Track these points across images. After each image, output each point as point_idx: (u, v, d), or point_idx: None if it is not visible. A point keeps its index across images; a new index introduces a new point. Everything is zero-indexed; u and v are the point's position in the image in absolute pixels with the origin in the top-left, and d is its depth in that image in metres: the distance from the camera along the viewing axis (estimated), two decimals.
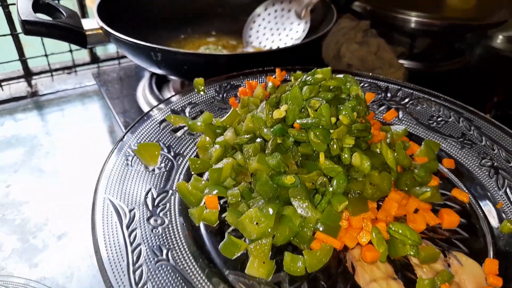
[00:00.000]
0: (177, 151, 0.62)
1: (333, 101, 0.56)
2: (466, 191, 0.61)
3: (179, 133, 0.65)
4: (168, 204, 0.54)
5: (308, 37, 0.99)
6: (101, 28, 0.85)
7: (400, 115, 0.74)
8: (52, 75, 1.15)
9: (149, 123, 0.65)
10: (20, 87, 1.11)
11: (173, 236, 0.49)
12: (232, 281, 0.47)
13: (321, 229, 0.50)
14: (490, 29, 1.18)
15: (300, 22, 1.06)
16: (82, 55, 1.20)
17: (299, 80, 0.59)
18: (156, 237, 0.48)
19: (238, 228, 0.51)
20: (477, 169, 0.63)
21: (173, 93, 1.00)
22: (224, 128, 0.65)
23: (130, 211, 0.50)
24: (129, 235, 0.47)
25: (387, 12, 1.13)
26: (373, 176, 0.54)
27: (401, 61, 1.06)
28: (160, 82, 1.04)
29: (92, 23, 0.90)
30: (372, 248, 0.50)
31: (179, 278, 0.45)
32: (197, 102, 0.72)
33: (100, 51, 1.23)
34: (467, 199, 0.59)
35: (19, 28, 0.94)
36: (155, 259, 0.46)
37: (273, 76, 0.78)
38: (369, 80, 0.80)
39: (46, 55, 1.10)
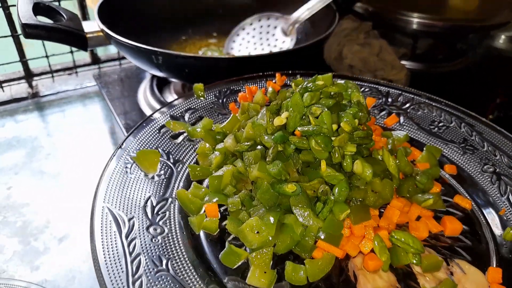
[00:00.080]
0: (176, 158, 0.62)
1: (334, 107, 0.56)
2: (468, 197, 0.61)
3: (178, 139, 0.65)
4: (167, 213, 0.53)
5: (310, 39, 0.99)
6: (102, 30, 0.85)
7: (401, 120, 0.73)
8: (52, 76, 1.15)
9: (148, 129, 0.65)
10: (20, 88, 1.11)
11: (173, 246, 0.49)
12: None
13: (322, 237, 0.50)
14: (492, 30, 1.17)
15: (285, 40, 1.05)
16: (83, 56, 1.19)
17: (300, 86, 0.58)
18: (156, 247, 0.48)
19: (238, 236, 0.50)
20: (479, 175, 0.63)
21: (174, 95, 1.00)
22: (224, 134, 0.64)
23: (130, 220, 0.50)
24: (129, 245, 0.47)
25: (389, 13, 1.12)
26: (375, 183, 0.54)
27: (403, 62, 1.06)
28: (161, 84, 1.03)
29: (92, 25, 0.89)
30: (374, 256, 0.50)
31: None
32: (196, 107, 0.71)
33: (101, 51, 1.23)
34: (470, 206, 0.59)
35: (19, 30, 0.94)
36: (155, 269, 0.45)
37: (273, 81, 0.78)
38: (370, 85, 0.79)
39: (46, 56, 1.09)
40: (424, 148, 0.66)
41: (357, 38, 1.06)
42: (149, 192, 0.55)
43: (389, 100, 0.76)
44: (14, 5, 0.93)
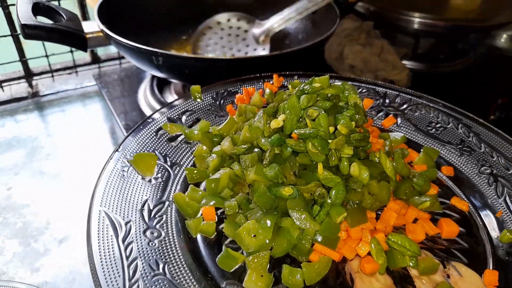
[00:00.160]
0: (173, 161, 0.62)
1: (331, 110, 0.56)
2: (465, 199, 0.61)
3: (175, 142, 0.65)
4: (164, 216, 0.53)
5: (310, 39, 0.98)
6: (102, 31, 0.85)
7: (399, 121, 0.73)
8: (52, 76, 1.15)
9: (146, 131, 0.65)
10: (20, 88, 1.11)
11: (169, 249, 0.49)
12: None
13: (319, 240, 0.50)
14: (493, 30, 1.17)
15: (257, 48, 1.01)
16: (83, 55, 1.19)
17: (297, 88, 0.58)
18: (153, 251, 0.48)
19: (235, 240, 0.51)
20: (476, 177, 0.63)
21: (175, 95, 1.00)
22: (221, 137, 0.64)
23: (126, 223, 0.50)
24: (125, 249, 0.47)
25: (390, 13, 1.12)
26: (371, 185, 0.54)
27: (404, 62, 1.06)
28: (161, 84, 1.03)
29: (92, 25, 0.89)
30: (371, 259, 0.50)
31: None
32: (194, 109, 0.71)
33: (101, 51, 1.23)
34: (467, 208, 0.59)
35: (19, 29, 0.94)
36: (152, 273, 0.46)
37: (271, 82, 0.77)
38: (367, 86, 0.79)
39: (46, 56, 1.09)
40: (422, 150, 0.66)
41: (358, 38, 1.06)
42: (146, 195, 0.55)
43: (387, 101, 0.76)
44: (14, 4, 0.93)
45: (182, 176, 0.60)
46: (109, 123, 1.03)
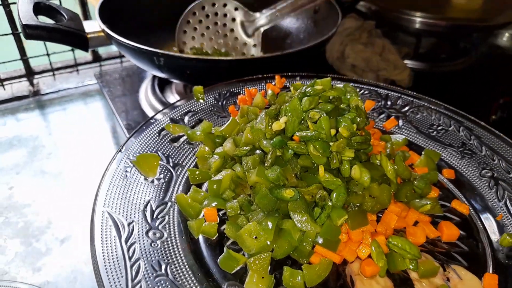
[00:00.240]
0: (176, 161, 0.62)
1: (332, 112, 0.56)
2: (466, 202, 0.61)
3: (178, 143, 0.65)
4: (167, 217, 0.54)
5: (312, 39, 0.98)
6: (103, 31, 0.85)
7: (400, 124, 0.73)
8: (54, 74, 1.15)
9: (148, 132, 0.65)
10: (22, 86, 1.11)
11: (172, 250, 0.49)
12: None
13: (320, 242, 0.50)
14: (495, 29, 1.17)
15: (247, 41, 0.98)
16: (84, 53, 1.19)
17: (299, 91, 0.58)
18: (155, 251, 0.48)
19: (237, 241, 0.51)
20: (477, 180, 0.63)
21: (176, 95, 1.00)
22: (224, 138, 0.64)
23: (129, 224, 0.51)
24: (128, 250, 0.47)
25: (392, 12, 1.12)
26: (372, 188, 0.54)
27: (406, 61, 1.06)
28: (162, 84, 1.03)
29: (93, 25, 0.89)
30: (372, 262, 0.50)
31: None
32: (196, 110, 0.72)
33: (102, 49, 1.23)
34: (467, 211, 0.59)
35: (20, 28, 0.94)
36: (154, 274, 0.46)
37: (273, 83, 0.78)
38: (369, 87, 0.79)
39: (47, 54, 1.10)
40: (423, 152, 0.66)
41: (360, 38, 1.06)
42: (148, 196, 0.56)
43: (388, 103, 0.76)
44: (15, 3, 0.93)
45: (185, 177, 0.60)
46: (110, 122, 1.03)
